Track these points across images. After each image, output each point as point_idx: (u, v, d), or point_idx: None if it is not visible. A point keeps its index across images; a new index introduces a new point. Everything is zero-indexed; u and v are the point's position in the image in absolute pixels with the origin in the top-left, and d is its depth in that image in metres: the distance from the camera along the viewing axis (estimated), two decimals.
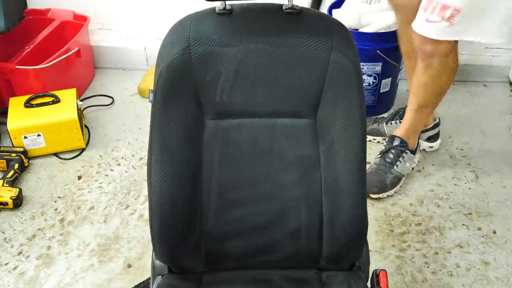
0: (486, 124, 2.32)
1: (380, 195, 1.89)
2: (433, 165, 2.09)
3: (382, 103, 2.35)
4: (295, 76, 1.02)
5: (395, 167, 1.93)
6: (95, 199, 1.91)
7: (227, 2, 1.02)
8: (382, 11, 2.15)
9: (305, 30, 1.01)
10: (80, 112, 2.16)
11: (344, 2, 2.26)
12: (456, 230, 1.80)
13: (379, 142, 2.17)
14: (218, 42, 1.00)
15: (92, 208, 1.88)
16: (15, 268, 1.67)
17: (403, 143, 1.95)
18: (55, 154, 2.12)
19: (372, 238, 1.75)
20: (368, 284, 1.11)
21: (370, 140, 2.18)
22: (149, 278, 1.53)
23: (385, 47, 2.13)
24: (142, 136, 2.22)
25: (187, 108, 1.02)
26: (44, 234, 1.78)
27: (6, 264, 1.68)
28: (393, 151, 1.95)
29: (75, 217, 1.84)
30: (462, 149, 2.17)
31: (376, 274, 1.09)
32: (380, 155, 1.98)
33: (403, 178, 1.96)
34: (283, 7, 1.03)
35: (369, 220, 1.09)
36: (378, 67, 2.19)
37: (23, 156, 2.02)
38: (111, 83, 2.58)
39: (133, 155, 2.12)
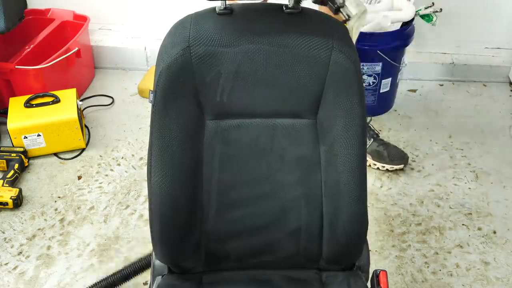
0: (486, 124, 2.32)
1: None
2: (433, 165, 2.09)
3: (382, 103, 2.35)
4: (296, 76, 1.02)
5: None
6: (95, 199, 1.91)
7: (228, 2, 1.02)
8: (382, 11, 2.15)
9: (305, 30, 1.01)
10: (80, 112, 2.16)
11: None
12: (456, 230, 1.81)
13: (379, 168, 2.05)
14: (218, 42, 1.00)
15: (92, 208, 1.88)
16: (15, 268, 1.67)
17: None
18: (55, 154, 2.12)
19: (372, 238, 1.75)
20: (368, 284, 1.11)
21: (369, 165, 2.06)
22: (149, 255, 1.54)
23: (385, 47, 2.13)
24: (142, 136, 2.22)
25: (187, 108, 1.02)
26: (44, 234, 1.78)
27: (6, 264, 1.68)
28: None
29: (75, 217, 1.84)
30: (462, 149, 2.17)
31: (376, 274, 1.09)
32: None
33: None
34: (284, 7, 1.03)
35: (369, 220, 1.09)
36: (378, 67, 2.19)
37: (23, 156, 2.02)
38: (111, 83, 2.58)
39: (133, 155, 2.12)
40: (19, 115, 2.07)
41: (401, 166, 2.03)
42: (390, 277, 1.61)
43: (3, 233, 1.79)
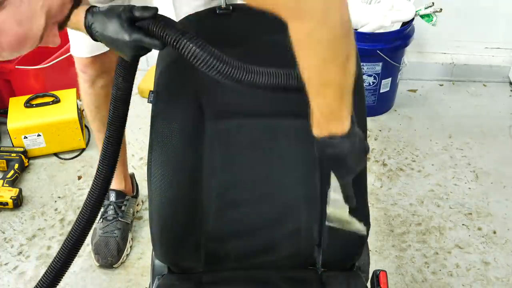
0: (486, 124, 2.32)
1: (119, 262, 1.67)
2: (433, 165, 2.09)
3: (382, 103, 2.35)
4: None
5: (119, 219, 1.72)
6: None
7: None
8: (382, 11, 2.15)
9: None
10: (80, 112, 2.16)
11: None
12: (456, 230, 1.80)
13: None
14: (218, 42, 0.99)
15: None
16: (15, 268, 1.67)
17: (120, 194, 1.74)
18: (55, 154, 2.12)
19: (372, 238, 1.75)
20: (368, 284, 1.11)
21: None
22: None
23: (385, 47, 2.13)
24: (142, 136, 2.22)
25: (187, 108, 1.02)
26: (44, 234, 1.78)
27: (6, 264, 1.68)
28: (111, 207, 1.72)
29: (75, 217, 1.83)
30: (462, 149, 2.17)
31: (376, 274, 1.09)
32: (100, 219, 1.70)
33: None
34: None
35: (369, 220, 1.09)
36: (378, 67, 2.19)
37: (23, 156, 2.02)
38: None
39: (133, 155, 2.11)
40: (19, 115, 2.07)
41: None
42: (390, 277, 1.60)
43: (3, 233, 1.79)
